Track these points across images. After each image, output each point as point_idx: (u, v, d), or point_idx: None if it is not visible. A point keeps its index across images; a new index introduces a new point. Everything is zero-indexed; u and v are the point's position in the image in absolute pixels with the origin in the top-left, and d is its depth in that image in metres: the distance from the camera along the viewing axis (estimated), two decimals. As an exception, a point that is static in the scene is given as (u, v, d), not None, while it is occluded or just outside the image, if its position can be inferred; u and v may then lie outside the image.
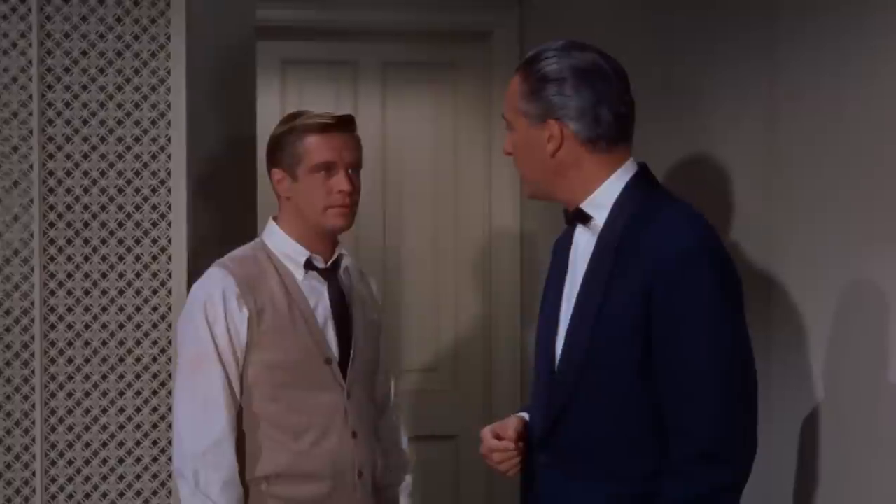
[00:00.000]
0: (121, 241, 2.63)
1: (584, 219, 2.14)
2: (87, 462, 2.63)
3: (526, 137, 2.15)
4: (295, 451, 2.44)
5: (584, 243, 2.15)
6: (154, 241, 2.64)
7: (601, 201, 2.11)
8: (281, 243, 2.51)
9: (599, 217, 2.11)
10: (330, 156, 2.46)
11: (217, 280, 2.44)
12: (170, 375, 2.63)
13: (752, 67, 2.58)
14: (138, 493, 2.64)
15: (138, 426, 2.64)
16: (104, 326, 2.63)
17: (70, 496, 2.62)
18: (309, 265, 2.51)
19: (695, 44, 2.83)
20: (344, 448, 2.47)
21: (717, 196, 2.72)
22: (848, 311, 2.23)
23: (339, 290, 2.54)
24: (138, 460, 2.64)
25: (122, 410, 2.63)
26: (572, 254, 2.19)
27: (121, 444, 2.63)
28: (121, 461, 2.63)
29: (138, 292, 2.64)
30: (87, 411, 2.63)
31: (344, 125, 2.50)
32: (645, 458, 2.05)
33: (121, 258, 2.64)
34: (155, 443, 2.64)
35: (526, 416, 2.31)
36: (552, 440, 2.16)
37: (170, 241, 2.64)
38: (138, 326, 2.64)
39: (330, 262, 2.54)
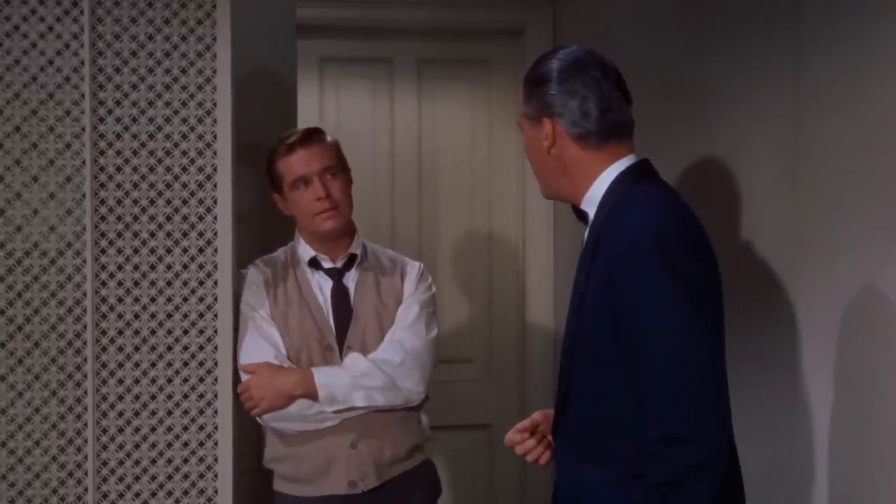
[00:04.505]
0: (169, 234, 2.68)
1: (582, 215, 2.21)
2: (136, 446, 2.70)
3: (529, 139, 2.24)
4: (289, 433, 2.74)
5: (585, 238, 2.21)
6: (200, 235, 2.69)
7: (593, 197, 2.17)
8: (299, 247, 2.84)
9: (592, 212, 2.17)
10: (301, 170, 2.76)
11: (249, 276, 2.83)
12: (216, 363, 2.70)
13: (777, 67, 2.59)
14: (185, 476, 2.71)
15: (185, 412, 2.70)
16: (153, 316, 2.69)
17: (120, 479, 2.69)
18: (315, 265, 2.81)
19: (721, 43, 2.84)
20: (335, 425, 2.72)
21: (742, 194, 2.73)
22: (873, 307, 2.24)
23: (342, 288, 2.81)
24: (185, 444, 2.71)
25: (170, 397, 2.70)
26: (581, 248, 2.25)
27: (169, 428, 2.70)
28: (169, 445, 2.70)
29: (185, 283, 2.69)
30: (137, 397, 2.69)
31: (307, 139, 2.77)
32: (635, 438, 2.06)
33: (169, 250, 2.69)
34: (201, 428, 2.71)
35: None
36: (562, 422, 2.24)
37: (215, 233, 2.69)
38: (185, 316, 2.70)
39: (340, 262, 2.81)
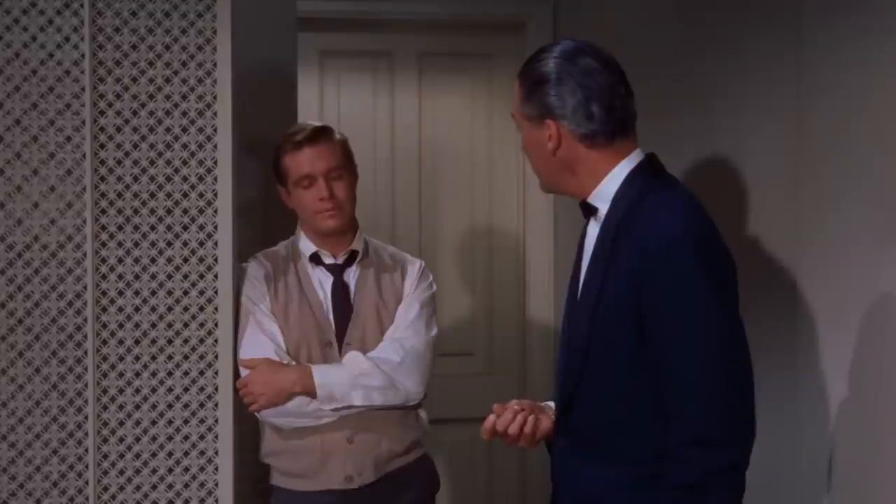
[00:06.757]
0: (169, 228, 2.68)
1: (591, 210, 2.18)
2: (137, 439, 2.70)
3: (530, 137, 2.20)
4: (287, 429, 2.74)
5: (592, 234, 2.18)
6: (201, 228, 2.69)
7: (605, 193, 2.14)
8: (300, 241, 2.84)
9: (604, 208, 2.14)
10: (306, 169, 2.76)
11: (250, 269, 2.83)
12: (216, 357, 2.70)
13: (778, 66, 2.58)
14: (186, 469, 2.71)
15: (186, 405, 2.70)
16: (153, 309, 2.69)
17: (121, 472, 2.69)
18: (317, 260, 2.80)
19: (724, 42, 2.84)
20: (333, 420, 2.72)
21: (744, 193, 2.73)
22: (874, 305, 2.23)
23: (342, 284, 2.81)
24: (186, 437, 2.71)
25: (170, 390, 2.70)
26: (586, 244, 2.22)
27: (169, 422, 2.70)
28: (169, 438, 2.70)
29: (186, 276, 2.69)
30: (138, 390, 2.69)
31: (314, 138, 2.76)
32: (650, 440, 2.05)
33: (169, 244, 2.69)
34: (202, 421, 2.71)
35: (551, 403, 2.35)
36: (565, 422, 2.20)
37: (216, 227, 2.68)
38: (186, 309, 2.70)
39: (342, 258, 2.81)
